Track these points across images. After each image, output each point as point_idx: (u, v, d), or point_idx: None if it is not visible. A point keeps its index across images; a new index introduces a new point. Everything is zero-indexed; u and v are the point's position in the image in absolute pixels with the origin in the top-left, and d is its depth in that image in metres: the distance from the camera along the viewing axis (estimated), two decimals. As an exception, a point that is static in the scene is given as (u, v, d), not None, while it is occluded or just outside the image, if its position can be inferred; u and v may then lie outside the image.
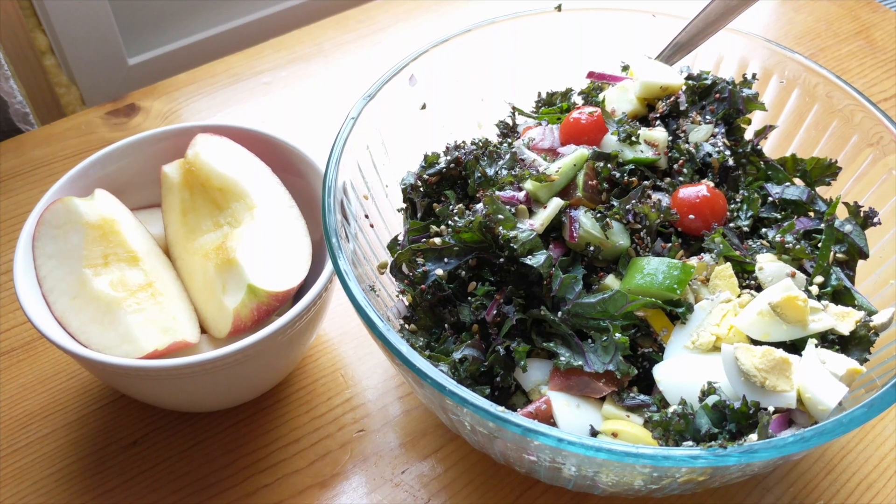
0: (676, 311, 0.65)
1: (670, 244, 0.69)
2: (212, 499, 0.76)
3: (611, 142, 0.74)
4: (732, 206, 0.74)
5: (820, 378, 0.60)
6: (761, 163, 0.78)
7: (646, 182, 0.72)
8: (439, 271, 0.69)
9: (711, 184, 0.73)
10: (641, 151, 0.73)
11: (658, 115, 0.78)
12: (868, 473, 0.78)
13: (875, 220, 0.71)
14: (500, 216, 0.67)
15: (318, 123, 1.15)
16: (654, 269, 0.66)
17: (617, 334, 0.64)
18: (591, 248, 0.68)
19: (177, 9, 1.58)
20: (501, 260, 0.68)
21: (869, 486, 0.77)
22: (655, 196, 0.71)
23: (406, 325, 0.73)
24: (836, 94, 0.80)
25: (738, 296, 0.66)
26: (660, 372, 0.64)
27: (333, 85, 1.21)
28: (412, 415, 0.82)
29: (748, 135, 0.82)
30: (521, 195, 0.70)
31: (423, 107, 0.86)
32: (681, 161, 0.74)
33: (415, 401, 0.83)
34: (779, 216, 0.74)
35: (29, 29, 1.38)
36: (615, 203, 0.70)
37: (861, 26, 1.28)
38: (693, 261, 0.68)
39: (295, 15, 1.68)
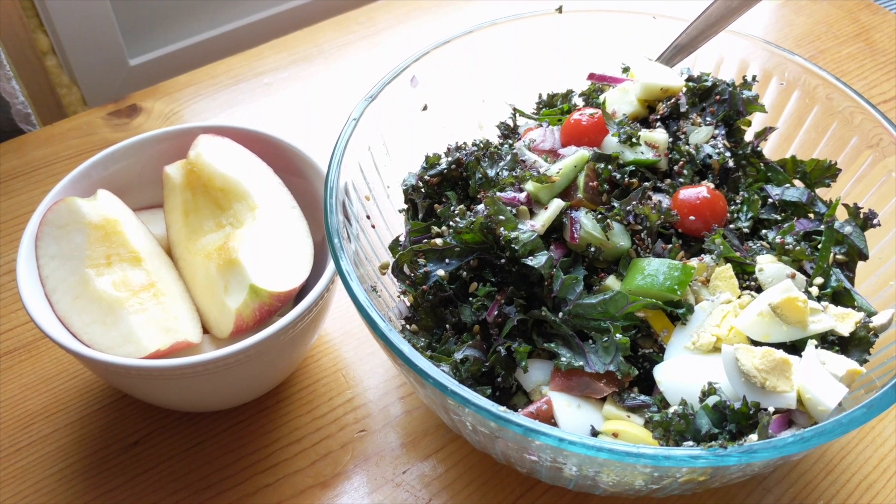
0: (677, 311, 0.66)
1: (671, 245, 0.69)
2: (213, 499, 0.76)
3: (611, 143, 0.74)
4: (732, 207, 0.74)
5: (820, 379, 0.60)
6: (761, 164, 0.78)
7: (646, 183, 0.72)
8: (440, 272, 0.69)
9: (711, 185, 0.73)
10: (642, 153, 0.74)
11: (658, 117, 0.78)
12: (868, 474, 0.78)
13: (875, 221, 0.72)
14: (502, 217, 0.67)
15: (320, 124, 1.15)
16: (654, 270, 0.66)
17: (618, 335, 0.64)
18: (592, 249, 0.68)
19: (178, 10, 1.59)
20: (503, 261, 0.68)
21: (869, 486, 0.77)
22: (656, 197, 0.72)
23: (407, 326, 0.73)
24: (836, 96, 0.80)
25: (739, 297, 0.67)
26: (660, 372, 0.64)
27: (334, 86, 1.22)
28: (413, 415, 0.82)
29: (748, 136, 0.82)
30: (522, 196, 0.70)
31: (425, 108, 0.86)
32: (681, 162, 0.74)
33: (416, 401, 0.84)
34: (779, 217, 0.74)
35: (31, 30, 1.39)
36: (616, 204, 0.70)
37: (861, 28, 1.28)
38: (693, 262, 0.68)
39: (295, 16, 1.68)
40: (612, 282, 0.68)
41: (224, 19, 1.64)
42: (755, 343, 0.64)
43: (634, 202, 0.70)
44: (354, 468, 0.78)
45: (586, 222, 0.69)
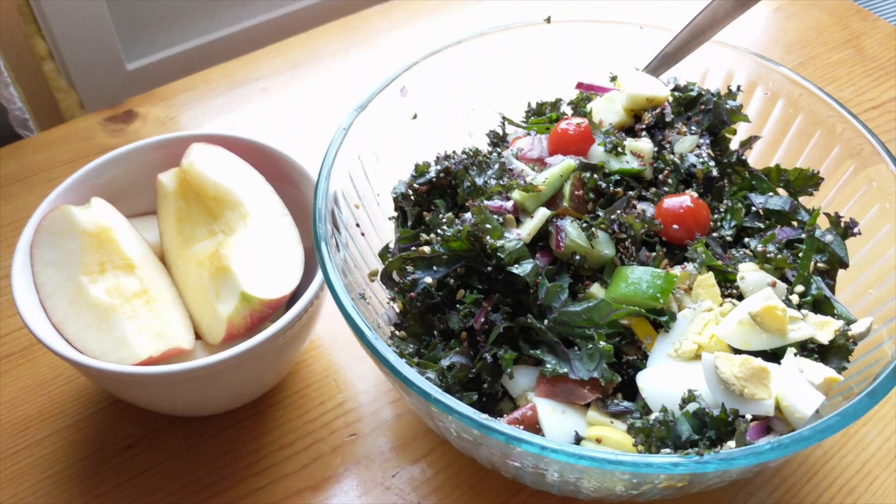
0: (660, 319, 0.67)
1: (655, 253, 0.71)
2: (206, 501, 0.77)
3: (597, 152, 0.75)
4: (716, 215, 0.75)
5: (798, 387, 0.61)
6: (746, 173, 0.80)
7: (631, 192, 0.73)
8: (428, 279, 0.70)
9: (695, 194, 0.74)
10: (627, 162, 0.75)
11: (644, 126, 0.79)
12: (850, 478, 0.79)
13: (855, 230, 0.73)
14: (488, 225, 0.68)
15: (316, 129, 1.16)
16: (638, 278, 0.67)
17: (602, 342, 0.65)
18: (577, 258, 0.69)
19: (175, 14, 1.60)
20: (489, 268, 0.69)
21: (850, 490, 0.78)
22: (640, 206, 0.73)
23: (396, 332, 0.74)
24: (819, 106, 0.81)
25: (720, 305, 0.68)
26: (643, 379, 0.65)
27: (330, 91, 1.23)
28: (403, 419, 0.84)
29: (733, 145, 0.83)
30: (509, 205, 0.71)
31: (415, 117, 0.87)
32: (666, 171, 0.75)
33: (406, 405, 0.85)
34: (762, 226, 0.75)
35: (28, 35, 1.40)
36: (601, 213, 0.71)
37: (851, 34, 1.29)
38: (676, 270, 0.69)
39: (291, 21, 1.69)
40: (596, 290, 0.69)
41: (221, 24, 1.65)
42: (736, 351, 0.65)
43: (619, 211, 0.71)
44: (345, 472, 0.80)
45: (572, 231, 0.70)
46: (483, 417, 0.56)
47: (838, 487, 0.78)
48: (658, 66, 0.85)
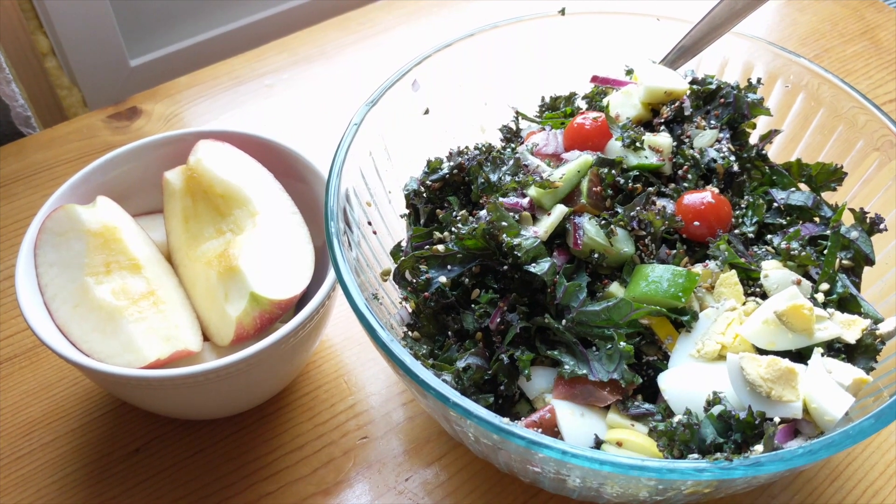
0: (681, 318, 0.65)
1: (675, 251, 0.69)
2: (215, 507, 0.76)
3: (615, 147, 0.73)
4: (737, 212, 0.73)
5: (826, 388, 0.60)
6: (766, 168, 0.78)
7: (650, 188, 0.71)
8: (443, 279, 0.68)
9: (716, 190, 0.72)
10: (646, 157, 0.73)
11: (662, 121, 0.77)
12: (874, 480, 0.77)
13: (881, 226, 0.71)
14: (504, 223, 0.67)
15: (322, 126, 1.15)
16: (658, 277, 0.66)
17: (622, 342, 0.63)
18: (596, 256, 0.68)
19: (178, 10, 1.58)
20: (505, 267, 0.67)
21: (875, 492, 0.76)
22: (660, 202, 0.71)
23: (409, 333, 0.72)
24: (841, 98, 0.79)
25: (744, 304, 0.66)
26: (665, 380, 0.64)
27: (336, 87, 1.21)
28: (416, 421, 0.82)
29: (753, 139, 0.81)
30: (525, 202, 0.70)
31: (426, 112, 0.85)
32: (685, 167, 0.73)
33: (418, 407, 0.83)
34: (784, 222, 0.73)
35: (30, 31, 1.38)
36: (619, 210, 0.69)
37: (866, 27, 1.27)
38: (698, 268, 0.67)
39: (296, 16, 1.67)
40: (615, 288, 0.68)
41: (225, 19, 1.63)
42: (761, 351, 0.63)
43: (638, 207, 0.69)
44: (357, 475, 0.78)
45: (590, 228, 0.68)
46: (503, 422, 0.55)
47: (862, 490, 0.77)
48: (675, 58, 0.83)
